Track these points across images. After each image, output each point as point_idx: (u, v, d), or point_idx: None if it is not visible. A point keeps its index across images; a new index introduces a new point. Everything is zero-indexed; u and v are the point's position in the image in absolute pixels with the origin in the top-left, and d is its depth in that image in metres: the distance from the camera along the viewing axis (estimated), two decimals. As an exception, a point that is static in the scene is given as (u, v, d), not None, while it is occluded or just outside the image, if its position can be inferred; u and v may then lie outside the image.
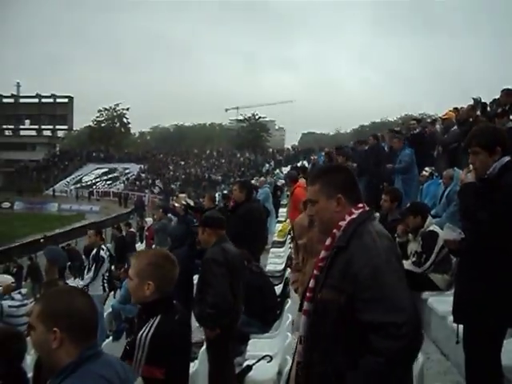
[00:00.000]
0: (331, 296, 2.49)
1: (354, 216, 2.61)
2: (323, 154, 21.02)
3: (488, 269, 3.66)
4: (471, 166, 3.87)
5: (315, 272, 2.65)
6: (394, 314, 2.33)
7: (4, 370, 3.77)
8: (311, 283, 2.65)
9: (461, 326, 4.00)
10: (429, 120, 15.36)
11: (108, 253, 10.26)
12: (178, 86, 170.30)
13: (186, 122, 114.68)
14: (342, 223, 2.60)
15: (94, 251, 10.00)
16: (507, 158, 3.69)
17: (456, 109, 12.31)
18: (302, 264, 4.44)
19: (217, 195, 28.00)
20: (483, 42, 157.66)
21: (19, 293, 6.77)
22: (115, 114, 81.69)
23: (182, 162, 68.51)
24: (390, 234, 2.72)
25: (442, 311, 5.51)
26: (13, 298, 6.48)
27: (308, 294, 2.66)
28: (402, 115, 75.20)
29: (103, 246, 10.22)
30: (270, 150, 71.54)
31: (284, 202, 19.95)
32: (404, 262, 6.45)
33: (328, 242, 2.63)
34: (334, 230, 2.61)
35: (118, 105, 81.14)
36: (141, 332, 2.99)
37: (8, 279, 7.09)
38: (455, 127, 10.62)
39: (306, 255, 4.20)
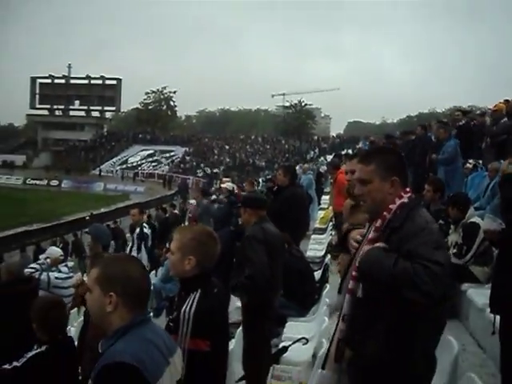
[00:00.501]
0: None
1: (404, 200, 2.64)
2: (368, 142, 20.87)
3: None
4: None
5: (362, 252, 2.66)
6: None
7: (47, 337, 3.94)
8: (358, 263, 2.65)
9: (497, 318, 4.00)
10: (478, 112, 15.07)
11: (150, 229, 10.49)
12: (225, 71, 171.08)
13: (232, 106, 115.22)
14: (393, 206, 2.63)
15: (138, 229, 10.21)
16: None
17: (507, 101, 12.04)
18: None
19: (260, 180, 28.13)
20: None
21: (66, 266, 6.99)
22: (162, 96, 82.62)
23: (227, 147, 68.78)
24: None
25: (481, 303, 5.45)
26: (60, 271, 6.71)
27: (354, 273, 2.68)
28: (451, 106, 73.79)
29: (145, 224, 10.48)
30: (315, 137, 71.23)
31: (327, 189, 19.90)
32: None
33: (378, 223, 2.64)
34: (385, 213, 2.63)
35: (165, 88, 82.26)
36: (183, 307, 3.04)
37: (57, 252, 7.32)
38: (505, 119, 10.41)
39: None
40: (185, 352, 2.86)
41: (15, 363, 3.73)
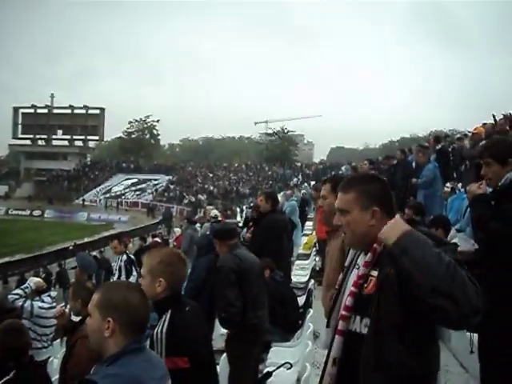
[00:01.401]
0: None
1: None
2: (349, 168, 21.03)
3: (498, 279, 3.72)
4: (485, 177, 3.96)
5: (353, 289, 2.44)
6: None
7: (12, 363, 3.97)
8: (348, 301, 2.45)
9: (475, 337, 4.05)
10: (458, 135, 15.32)
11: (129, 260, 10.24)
12: (207, 100, 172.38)
13: (215, 134, 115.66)
14: None
15: (125, 256, 9.85)
16: None
17: (485, 124, 12.29)
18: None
19: (244, 208, 28.17)
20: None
21: (49, 295, 6.95)
22: (145, 125, 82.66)
23: (211, 175, 68.88)
24: None
25: (462, 324, 5.55)
26: (43, 301, 6.68)
27: (344, 313, 2.46)
28: (432, 130, 74.66)
29: (124, 256, 9.92)
30: (299, 163, 71.55)
31: (310, 215, 19.99)
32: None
33: (369, 258, 2.43)
34: (375, 245, 2.40)
35: (148, 117, 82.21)
36: (156, 329, 3.14)
37: (38, 280, 7.28)
38: (483, 142, 10.61)
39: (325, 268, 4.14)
40: None
41: None
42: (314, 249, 13.12)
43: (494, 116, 12.17)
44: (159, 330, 3.11)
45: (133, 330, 2.40)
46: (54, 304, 6.77)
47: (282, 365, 5.87)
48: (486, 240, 3.92)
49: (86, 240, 36.31)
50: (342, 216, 2.49)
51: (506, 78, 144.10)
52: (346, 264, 2.67)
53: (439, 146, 12.21)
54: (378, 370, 2.26)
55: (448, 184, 9.58)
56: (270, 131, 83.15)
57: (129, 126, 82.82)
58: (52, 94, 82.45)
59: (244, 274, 5.32)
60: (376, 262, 2.41)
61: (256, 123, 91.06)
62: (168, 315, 3.18)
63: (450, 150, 12.39)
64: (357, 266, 2.54)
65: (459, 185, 10.02)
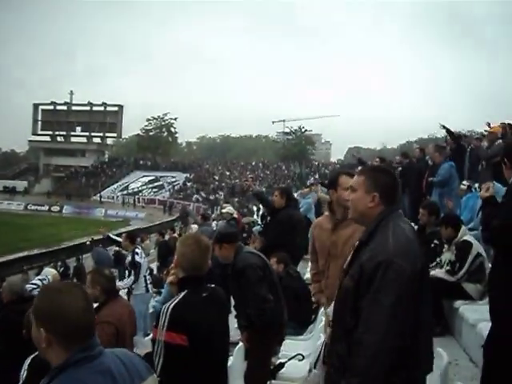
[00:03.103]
0: (348, 283, 2.71)
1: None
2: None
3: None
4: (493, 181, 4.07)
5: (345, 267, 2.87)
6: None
7: None
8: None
9: (486, 331, 4.13)
10: (476, 136, 15.28)
11: (144, 255, 10.35)
12: (226, 98, 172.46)
13: (233, 133, 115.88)
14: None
15: (130, 257, 10.05)
16: None
17: (503, 124, 12.27)
18: (325, 269, 4.50)
19: (260, 206, 28.18)
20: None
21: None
22: (163, 123, 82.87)
23: (228, 173, 69.07)
24: (412, 231, 2.84)
25: (473, 319, 5.62)
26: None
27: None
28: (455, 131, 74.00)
29: (137, 250, 10.16)
30: (316, 163, 71.51)
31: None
32: (438, 270, 6.58)
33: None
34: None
35: (166, 114, 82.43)
36: (166, 304, 3.33)
37: (52, 271, 7.42)
38: (499, 141, 10.62)
39: (329, 258, 4.28)
40: (160, 344, 3.18)
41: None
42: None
43: (488, 124, 12.22)
44: (167, 305, 3.29)
45: (73, 339, 2.10)
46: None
47: (294, 356, 5.95)
48: (488, 239, 4.04)
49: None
50: (351, 193, 2.93)
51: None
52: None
53: (454, 146, 12.20)
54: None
55: (465, 182, 9.57)
56: (287, 130, 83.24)
57: (147, 123, 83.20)
58: (71, 91, 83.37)
59: (267, 269, 5.41)
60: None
61: (274, 122, 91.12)
62: (181, 295, 3.37)
63: (468, 149, 12.36)
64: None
65: (476, 184, 10.02)
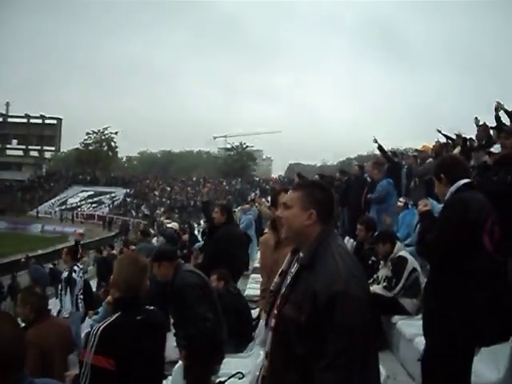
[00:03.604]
0: (293, 313, 2.50)
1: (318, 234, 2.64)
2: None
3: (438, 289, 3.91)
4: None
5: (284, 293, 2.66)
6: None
7: None
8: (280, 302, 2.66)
9: (422, 345, 4.21)
10: (410, 153, 15.71)
11: (81, 273, 10.13)
12: (166, 113, 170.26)
13: (174, 148, 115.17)
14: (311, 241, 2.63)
15: (66, 273, 9.85)
16: (462, 182, 3.92)
17: (440, 143, 12.64)
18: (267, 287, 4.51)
19: (202, 222, 28.09)
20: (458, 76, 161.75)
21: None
22: (103, 137, 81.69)
23: (168, 188, 68.57)
24: (348, 248, 2.82)
25: (410, 334, 5.73)
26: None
27: (276, 312, 2.65)
28: (389, 149, 75.89)
29: (75, 268, 9.92)
30: (257, 178, 71.89)
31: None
32: (375, 286, 6.69)
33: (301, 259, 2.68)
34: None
35: (106, 128, 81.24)
36: (97, 325, 3.24)
37: None
38: (430, 159, 10.95)
39: (272, 276, 4.29)
40: (87, 366, 3.05)
41: None
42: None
43: (439, 131, 12.59)
44: (98, 327, 3.19)
45: (3, 370, 2.01)
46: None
47: (234, 375, 5.90)
48: (422, 252, 4.17)
49: (39, 252, 35.51)
50: (285, 210, 2.74)
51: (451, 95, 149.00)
52: (284, 268, 2.83)
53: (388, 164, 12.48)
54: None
55: (401, 199, 9.80)
56: (228, 146, 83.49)
57: (86, 137, 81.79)
58: (7, 103, 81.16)
59: (206, 288, 5.37)
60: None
61: (215, 137, 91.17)
62: (114, 316, 3.27)
63: (406, 166, 12.67)
64: (290, 274, 2.72)
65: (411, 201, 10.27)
